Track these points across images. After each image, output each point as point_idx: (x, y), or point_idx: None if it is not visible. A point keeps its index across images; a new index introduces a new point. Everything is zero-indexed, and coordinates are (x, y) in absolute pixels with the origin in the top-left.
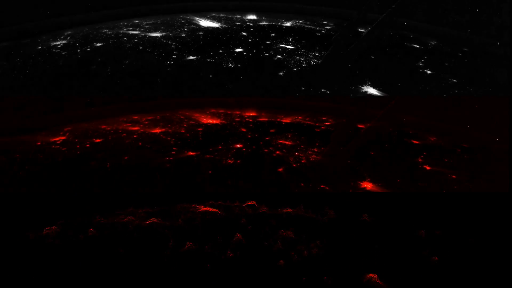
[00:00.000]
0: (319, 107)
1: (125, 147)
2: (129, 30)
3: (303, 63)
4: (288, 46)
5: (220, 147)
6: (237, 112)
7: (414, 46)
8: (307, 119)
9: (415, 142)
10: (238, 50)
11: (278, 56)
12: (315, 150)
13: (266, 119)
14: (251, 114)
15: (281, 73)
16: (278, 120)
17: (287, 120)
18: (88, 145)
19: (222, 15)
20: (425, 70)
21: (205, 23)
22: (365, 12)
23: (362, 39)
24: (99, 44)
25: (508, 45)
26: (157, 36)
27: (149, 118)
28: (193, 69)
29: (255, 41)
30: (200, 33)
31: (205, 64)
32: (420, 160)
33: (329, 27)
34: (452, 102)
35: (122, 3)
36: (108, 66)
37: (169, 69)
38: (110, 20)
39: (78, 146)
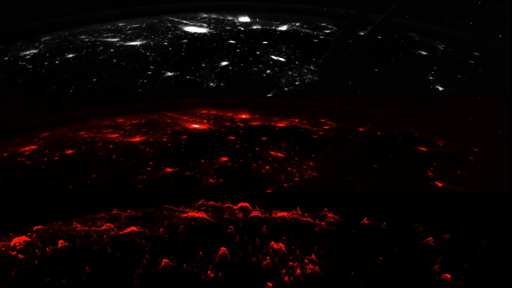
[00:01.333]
0: (318, 107)
1: (96, 162)
2: (108, 36)
3: (296, 80)
4: (280, 58)
5: (203, 160)
6: (230, 114)
7: (421, 53)
8: (304, 122)
9: (423, 149)
10: (223, 63)
11: (268, 72)
12: (311, 163)
13: (259, 123)
14: (244, 116)
15: (269, 95)
16: (272, 124)
17: (282, 124)
18: (56, 158)
19: (213, 16)
20: (436, 86)
21: (191, 28)
22: (365, 12)
23: (362, 39)
24: (70, 55)
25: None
26: (136, 45)
27: (134, 121)
28: (168, 90)
29: (243, 51)
30: (184, 40)
31: (183, 82)
32: (430, 174)
33: (328, 31)
34: (453, 102)
35: (112, 3)
36: (71, 85)
37: (140, 90)
38: (95, 23)
39: (45, 159)
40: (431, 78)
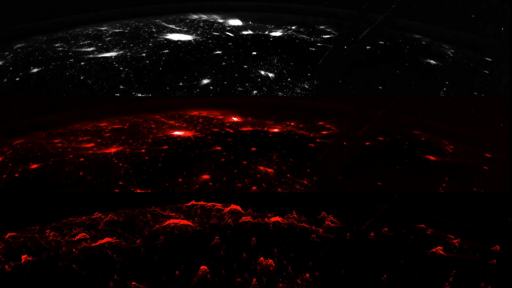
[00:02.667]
0: (316, 108)
1: (59, 180)
2: (85, 45)
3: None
4: (270, 74)
5: (180, 179)
6: (220, 117)
7: (430, 63)
8: (301, 125)
9: (431, 158)
10: (204, 81)
11: (254, 92)
12: (305, 182)
13: (250, 128)
14: (235, 120)
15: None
16: (265, 129)
17: (276, 129)
18: (17, 175)
19: (203, 17)
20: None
21: (176, 35)
22: (365, 12)
23: (362, 39)
24: (35, 70)
25: None
26: (110, 57)
27: (116, 126)
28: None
29: (229, 64)
30: (166, 51)
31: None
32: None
33: (326, 35)
34: (457, 102)
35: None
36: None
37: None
38: (78, 26)
39: (4, 176)
40: (442, 94)
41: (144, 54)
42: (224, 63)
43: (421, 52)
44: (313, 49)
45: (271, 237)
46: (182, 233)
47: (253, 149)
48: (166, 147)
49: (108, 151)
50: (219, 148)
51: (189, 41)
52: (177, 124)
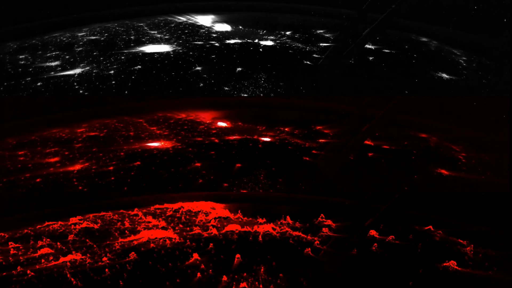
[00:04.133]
0: (313, 111)
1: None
2: (51, 57)
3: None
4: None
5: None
6: (208, 121)
7: (442, 77)
8: (296, 131)
9: (444, 172)
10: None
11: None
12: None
13: (238, 136)
14: (224, 125)
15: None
16: (255, 137)
17: (267, 138)
18: None
19: (191, 20)
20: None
21: (153, 47)
22: (365, 12)
23: (361, 39)
24: None
25: None
26: (73, 75)
27: (92, 134)
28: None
29: (208, 85)
30: (137, 67)
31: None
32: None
33: (324, 43)
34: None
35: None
36: None
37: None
38: (55, 30)
39: None
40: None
41: (112, 71)
42: (201, 84)
43: (430, 62)
44: (308, 62)
45: (260, 249)
46: (158, 247)
47: (238, 165)
48: (139, 163)
49: (71, 168)
50: (199, 164)
51: (168, 53)
52: (158, 132)
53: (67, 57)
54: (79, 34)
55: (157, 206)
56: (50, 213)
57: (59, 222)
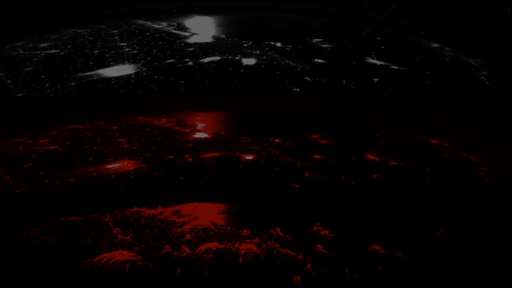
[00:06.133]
0: (310, 115)
1: None
2: None
3: None
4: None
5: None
6: (186, 130)
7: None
8: (288, 143)
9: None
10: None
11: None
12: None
13: (216, 153)
14: (204, 137)
15: None
16: (237, 154)
17: (251, 155)
18: None
19: (167, 29)
20: None
21: (114, 69)
22: (365, 12)
23: (361, 39)
24: None
25: None
26: None
27: (51, 148)
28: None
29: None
30: (95, 88)
31: None
32: None
33: (319, 60)
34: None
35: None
36: None
37: None
38: (25, 36)
39: None
40: None
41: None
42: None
43: (446, 80)
44: (297, 89)
45: (238, 276)
46: (113, 275)
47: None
48: (101, 181)
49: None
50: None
51: (127, 77)
52: (125, 146)
53: (8, 81)
54: (42, 45)
55: None
56: None
57: None
